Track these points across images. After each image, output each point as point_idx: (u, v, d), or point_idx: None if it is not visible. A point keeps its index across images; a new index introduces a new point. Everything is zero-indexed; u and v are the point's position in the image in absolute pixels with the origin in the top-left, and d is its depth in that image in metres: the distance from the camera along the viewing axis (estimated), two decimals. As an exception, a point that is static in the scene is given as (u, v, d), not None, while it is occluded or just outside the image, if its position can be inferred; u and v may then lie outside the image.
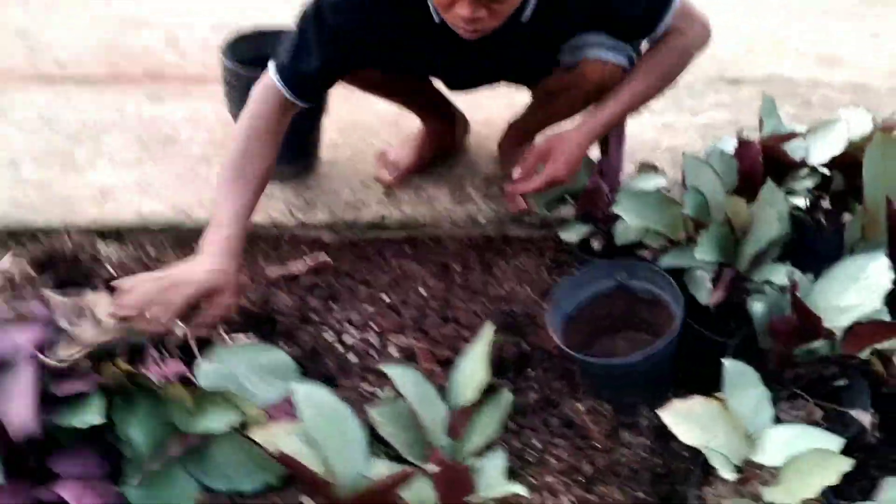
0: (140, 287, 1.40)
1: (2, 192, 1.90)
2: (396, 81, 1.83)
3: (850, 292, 1.28)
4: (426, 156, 1.97)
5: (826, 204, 1.70)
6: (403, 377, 1.20)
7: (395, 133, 2.09)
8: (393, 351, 1.61)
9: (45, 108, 2.17)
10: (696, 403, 1.19)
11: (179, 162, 2.00)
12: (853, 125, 1.62)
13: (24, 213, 1.85)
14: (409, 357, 1.59)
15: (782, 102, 2.13)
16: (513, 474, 1.38)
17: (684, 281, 1.51)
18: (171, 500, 1.33)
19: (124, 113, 2.16)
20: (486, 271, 1.81)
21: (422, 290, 1.75)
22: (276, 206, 1.88)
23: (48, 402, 1.30)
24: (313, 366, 1.54)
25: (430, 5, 1.49)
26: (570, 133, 1.63)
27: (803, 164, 1.58)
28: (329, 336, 1.62)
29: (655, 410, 1.21)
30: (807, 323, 1.26)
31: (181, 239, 1.82)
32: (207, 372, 1.41)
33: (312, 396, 1.12)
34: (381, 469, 1.12)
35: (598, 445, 1.44)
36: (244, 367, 1.45)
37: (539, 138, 1.83)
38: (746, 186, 1.51)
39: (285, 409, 1.35)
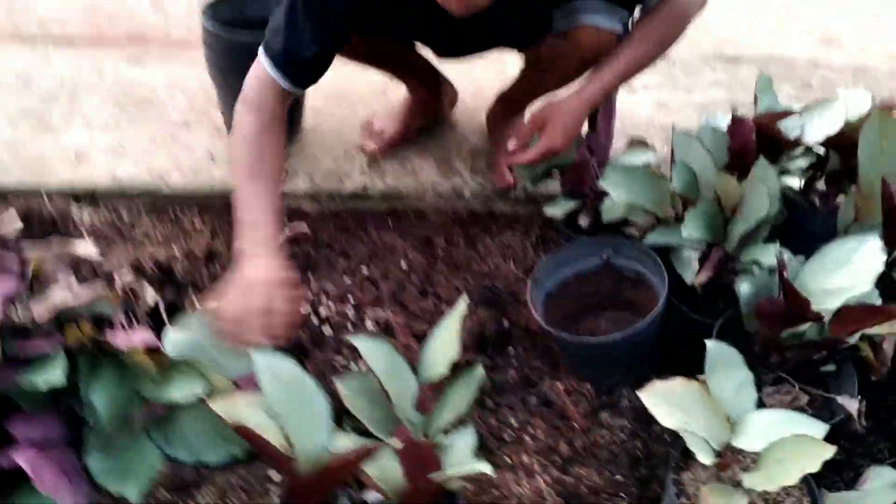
0: (236, 302, 1.34)
1: (-28, 151, 1.85)
2: (382, 49, 1.77)
3: (841, 274, 1.24)
4: (412, 126, 1.92)
5: (821, 185, 1.65)
6: (373, 350, 1.15)
7: (383, 103, 2.03)
8: (370, 324, 1.57)
9: (22, 68, 2.11)
10: (677, 385, 1.15)
11: (158, 126, 1.95)
12: (852, 105, 1.56)
13: (-5, 172, 1.80)
14: (385, 331, 1.55)
15: (781, 83, 2.09)
16: (488, 453, 1.35)
17: (671, 260, 1.47)
18: (134, 470, 1.29)
19: (103, 75, 2.11)
20: (470, 246, 1.76)
21: (402, 263, 1.71)
22: (256, 174, 1.82)
23: (10, 361, 1.27)
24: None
25: None
26: (566, 100, 1.57)
27: (798, 142, 1.53)
28: (304, 307, 1.57)
29: (636, 391, 1.17)
30: (794, 305, 1.22)
31: (157, 205, 1.77)
32: (176, 340, 1.37)
33: (275, 367, 1.07)
34: (346, 443, 1.08)
35: (577, 426, 1.40)
36: (213, 337, 1.40)
37: (534, 106, 1.77)
38: (738, 164, 1.46)
39: (254, 381, 1.30)
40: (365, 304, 1.60)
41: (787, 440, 1.07)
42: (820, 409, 1.26)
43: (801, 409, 1.25)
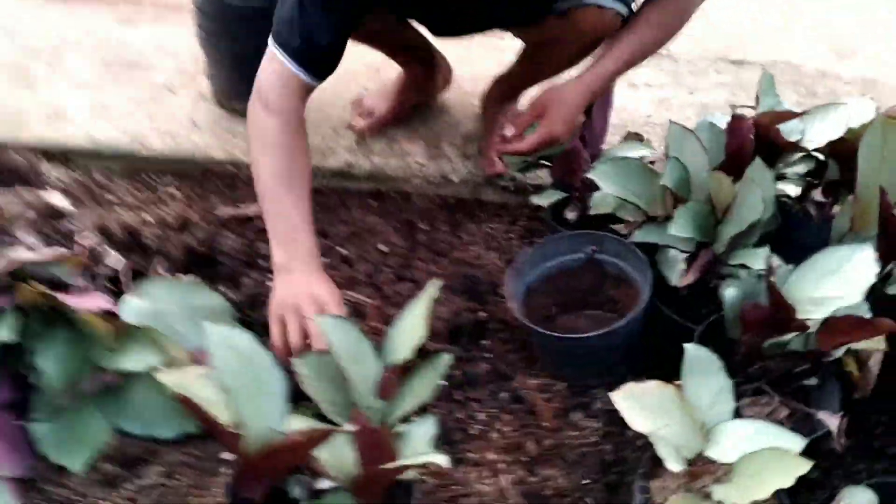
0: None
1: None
2: (375, 24, 1.71)
3: (830, 283, 1.18)
4: (405, 104, 1.86)
5: (818, 195, 1.60)
6: (335, 330, 1.10)
7: (377, 80, 1.97)
8: (341, 305, 1.51)
9: (7, 19, 2.05)
10: (652, 388, 1.09)
11: (141, 89, 1.89)
12: (855, 114, 1.51)
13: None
14: (358, 313, 1.49)
15: (786, 90, 2.03)
16: (452, 446, 1.30)
17: (657, 260, 1.41)
18: (80, 441, 1.24)
19: (91, 33, 2.05)
20: (454, 233, 1.71)
21: (382, 246, 1.65)
22: (237, 144, 1.77)
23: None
24: (253, 313, 1.44)
25: None
26: (566, 86, 1.51)
27: (797, 146, 1.48)
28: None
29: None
30: (779, 313, 1.16)
31: (132, 169, 1.72)
32: (134, 307, 1.32)
33: (228, 340, 1.02)
34: (299, 425, 1.02)
35: (547, 424, 1.35)
36: (175, 308, 1.36)
37: (533, 91, 1.70)
38: (734, 164, 1.40)
39: (215, 355, 1.25)
40: (338, 284, 1.54)
41: (762, 453, 1.02)
42: (799, 423, 1.20)
43: (779, 423, 1.19)
